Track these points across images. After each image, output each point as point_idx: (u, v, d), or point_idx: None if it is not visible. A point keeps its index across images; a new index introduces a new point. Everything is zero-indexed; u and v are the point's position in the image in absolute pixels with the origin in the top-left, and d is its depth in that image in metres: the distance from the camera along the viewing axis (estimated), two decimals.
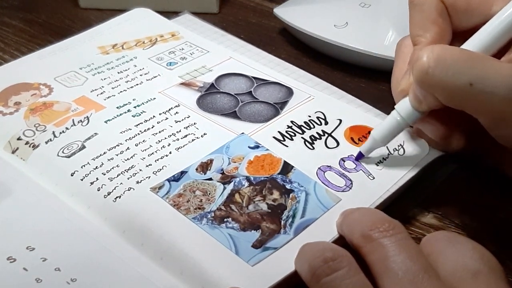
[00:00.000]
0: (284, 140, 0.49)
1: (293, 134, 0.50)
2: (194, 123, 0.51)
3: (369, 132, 0.49)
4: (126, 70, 0.58)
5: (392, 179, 0.46)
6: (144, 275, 0.39)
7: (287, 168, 0.47)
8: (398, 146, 0.49)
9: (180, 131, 0.50)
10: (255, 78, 0.57)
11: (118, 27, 0.65)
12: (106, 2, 0.75)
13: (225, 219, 0.42)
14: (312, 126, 0.51)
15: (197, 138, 0.49)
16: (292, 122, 0.51)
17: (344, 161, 0.48)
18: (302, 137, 0.50)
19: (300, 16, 0.67)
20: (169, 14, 0.70)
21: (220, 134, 0.50)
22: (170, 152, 0.48)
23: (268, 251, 0.40)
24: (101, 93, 0.55)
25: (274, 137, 0.50)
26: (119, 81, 0.57)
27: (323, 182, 0.45)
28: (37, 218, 0.43)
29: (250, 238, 0.41)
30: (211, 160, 0.47)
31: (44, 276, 0.39)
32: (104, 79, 0.57)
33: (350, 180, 0.46)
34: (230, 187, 0.45)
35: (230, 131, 0.50)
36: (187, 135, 0.50)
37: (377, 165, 0.47)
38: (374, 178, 0.46)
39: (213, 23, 0.69)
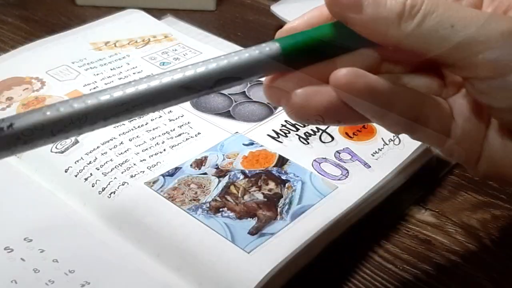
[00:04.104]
0: (279, 137, 0.53)
1: (287, 132, 0.53)
2: (188, 122, 0.54)
3: (364, 126, 0.53)
4: (119, 67, 0.62)
5: (389, 167, 0.49)
6: (142, 269, 0.42)
7: (282, 161, 0.50)
8: (394, 136, 0.52)
9: (174, 129, 0.53)
10: None
11: (111, 25, 0.69)
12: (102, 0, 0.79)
13: (221, 209, 0.45)
14: (306, 124, 0.54)
15: (192, 137, 0.53)
16: (286, 121, 0.55)
17: (339, 153, 0.51)
18: (296, 134, 0.53)
19: (297, 14, 0.69)
20: (166, 11, 0.74)
21: (214, 133, 0.53)
22: (164, 150, 0.51)
23: (264, 237, 0.42)
24: (94, 88, 0.58)
25: (268, 135, 0.53)
26: (112, 77, 0.60)
27: (319, 172, 0.48)
28: (34, 212, 0.46)
29: (246, 226, 0.43)
30: (206, 157, 0.50)
31: (42, 267, 0.41)
32: (97, 74, 0.60)
33: (346, 170, 0.49)
34: (225, 180, 0.48)
35: (224, 130, 0.54)
36: (181, 134, 0.53)
37: (373, 156, 0.50)
38: (370, 167, 0.49)
39: (210, 21, 0.73)
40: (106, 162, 0.49)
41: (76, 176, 0.48)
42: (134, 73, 0.61)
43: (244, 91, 0.59)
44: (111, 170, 0.48)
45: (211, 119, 0.55)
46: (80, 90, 0.58)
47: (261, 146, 0.52)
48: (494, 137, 0.34)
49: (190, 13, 0.76)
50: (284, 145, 0.52)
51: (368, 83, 0.31)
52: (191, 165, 0.49)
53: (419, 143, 0.51)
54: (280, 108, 0.56)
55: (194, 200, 0.46)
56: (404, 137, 0.52)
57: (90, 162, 0.49)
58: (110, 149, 0.50)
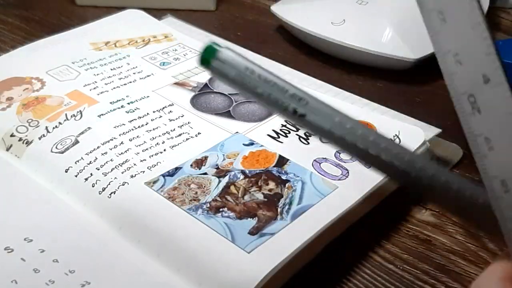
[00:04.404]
0: (279, 137, 0.53)
1: (287, 132, 0.53)
2: (188, 122, 0.54)
3: None
4: (119, 67, 0.62)
5: None
6: (142, 269, 0.42)
7: (282, 161, 0.50)
8: (394, 136, 0.52)
9: (174, 129, 0.53)
10: None
11: (110, 25, 0.69)
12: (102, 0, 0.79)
13: (221, 209, 0.45)
14: None
15: (192, 137, 0.53)
16: (286, 121, 0.55)
17: (339, 153, 0.51)
18: (296, 134, 0.53)
19: (297, 14, 0.71)
20: (166, 11, 0.74)
21: (215, 133, 0.53)
22: (164, 150, 0.51)
23: (264, 237, 0.42)
24: (94, 88, 0.58)
25: (268, 135, 0.53)
26: (112, 77, 0.60)
27: (319, 172, 0.49)
28: (34, 213, 0.46)
29: (246, 226, 0.43)
30: (206, 157, 0.50)
31: (42, 267, 0.41)
32: (97, 74, 0.60)
33: (346, 170, 0.49)
34: (225, 180, 0.48)
35: (224, 130, 0.54)
36: (181, 134, 0.53)
37: None
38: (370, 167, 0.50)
39: (210, 21, 0.73)
40: (106, 162, 0.49)
41: (76, 176, 0.48)
42: (134, 73, 0.61)
43: None
44: (111, 170, 0.48)
45: (211, 119, 0.55)
46: (80, 90, 0.58)
47: (261, 146, 0.52)
48: None
49: (190, 13, 0.77)
50: (284, 145, 0.52)
51: None
52: (191, 165, 0.49)
53: (420, 143, 0.51)
54: None
55: (194, 200, 0.46)
56: (404, 137, 0.52)
57: (90, 162, 0.49)
58: (110, 149, 0.50)
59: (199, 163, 0.50)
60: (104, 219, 0.46)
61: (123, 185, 0.47)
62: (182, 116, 0.55)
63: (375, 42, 0.65)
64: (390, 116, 0.56)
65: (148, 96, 0.58)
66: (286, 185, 0.47)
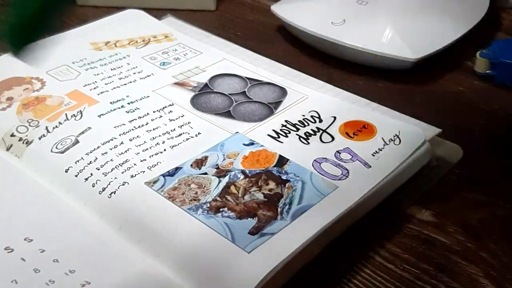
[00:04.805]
0: (279, 137, 0.53)
1: (287, 132, 0.53)
2: (188, 122, 0.54)
3: (364, 126, 0.53)
4: (119, 67, 0.62)
5: (389, 167, 0.49)
6: (142, 269, 0.42)
7: (282, 161, 0.50)
8: (394, 136, 0.52)
9: (174, 129, 0.53)
10: (248, 78, 0.61)
11: (111, 25, 0.70)
12: None
13: (221, 209, 0.45)
14: (306, 124, 0.54)
15: (192, 137, 0.53)
16: (286, 121, 0.55)
17: (339, 153, 0.51)
18: (296, 134, 0.53)
19: (297, 14, 0.71)
20: (166, 11, 0.75)
21: (215, 133, 0.53)
22: (164, 150, 0.51)
23: (265, 237, 0.42)
24: (94, 88, 0.58)
25: (268, 135, 0.53)
26: (112, 77, 0.60)
27: (319, 172, 0.48)
28: (35, 212, 0.46)
29: (246, 226, 0.43)
30: (206, 157, 0.50)
31: (43, 267, 0.41)
32: (97, 74, 0.61)
33: (346, 170, 0.49)
34: (225, 180, 0.48)
35: (224, 130, 0.54)
36: (181, 133, 0.53)
37: (373, 155, 0.50)
38: (370, 166, 0.49)
39: (210, 21, 0.73)
40: (107, 162, 0.49)
41: (76, 176, 0.48)
42: (134, 73, 0.61)
43: (245, 91, 0.59)
44: (111, 170, 0.48)
45: (211, 119, 0.55)
46: (80, 90, 0.58)
47: (261, 146, 0.52)
48: None
49: (190, 13, 0.77)
50: (284, 145, 0.52)
51: None
52: (191, 165, 0.49)
53: (420, 143, 0.51)
54: (280, 108, 0.56)
55: (194, 200, 0.46)
56: (404, 137, 0.52)
57: (90, 162, 0.49)
58: (111, 149, 0.50)
59: (199, 163, 0.49)
60: (104, 219, 0.46)
61: (123, 185, 0.47)
62: (182, 116, 0.55)
63: (375, 42, 0.65)
64: (390, 116, 0.56)
65: (148, 96, 0.58)
66: (286, 185, 0.47)
